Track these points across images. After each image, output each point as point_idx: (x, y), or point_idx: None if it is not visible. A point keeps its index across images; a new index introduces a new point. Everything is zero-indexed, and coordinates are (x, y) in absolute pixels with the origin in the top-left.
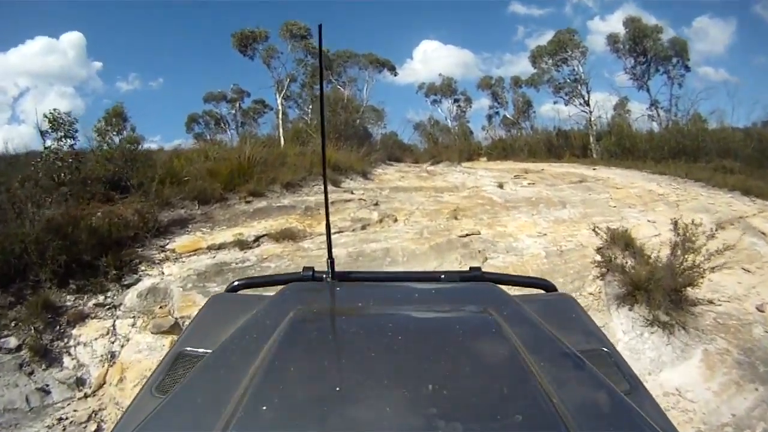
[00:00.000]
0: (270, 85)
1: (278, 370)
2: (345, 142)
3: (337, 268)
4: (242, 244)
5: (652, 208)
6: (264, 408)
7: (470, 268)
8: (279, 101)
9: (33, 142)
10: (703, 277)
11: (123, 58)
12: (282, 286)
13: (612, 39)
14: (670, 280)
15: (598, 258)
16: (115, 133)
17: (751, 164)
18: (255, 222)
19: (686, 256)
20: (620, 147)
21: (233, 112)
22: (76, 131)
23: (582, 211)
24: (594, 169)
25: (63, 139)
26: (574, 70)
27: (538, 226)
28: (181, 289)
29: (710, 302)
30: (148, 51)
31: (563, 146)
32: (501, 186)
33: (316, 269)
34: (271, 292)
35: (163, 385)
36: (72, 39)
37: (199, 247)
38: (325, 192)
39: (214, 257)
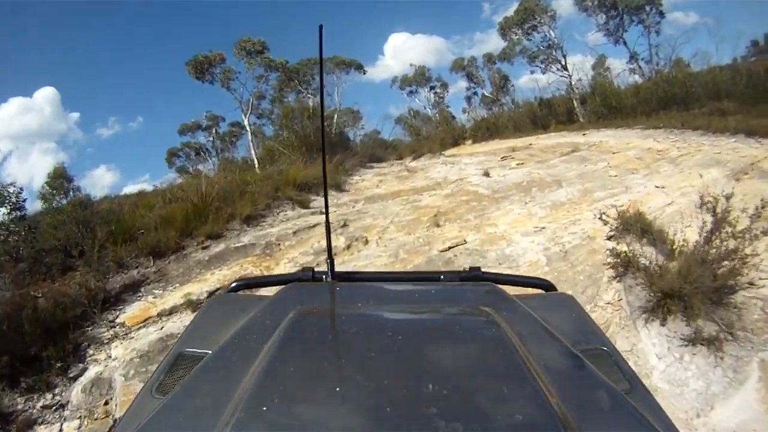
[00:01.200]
0: (235, 107)
1: (278, 370)
2: (317, 153)
3: None
4: (194, 306)
5: (656, 169)
6: (264, 408)
7: (470, 268)
8: (246, 122)
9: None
10: (746, 265)
11: (99, 104)
12: (282, 287)
13: None
14: (709, 277)
15: (612, 257)
16: (61, 195)
17: (746, 102)
18: (209, 273)
19: (725, 243)
20: (606, 107)
21: (211, 139)
22: (24, 200)
23: (580, 187)
24: (584, 134)
25: (12, 212)
26: (545, 36)
27: (533, 217)
28: (123, 378)
29: (751, 284)
30: (123, 92)
31: (548, 115)
32: (487, 174)
33: (316, 269)
34: (271, 292)
35: (163, 385)
36: (46, 94)
37: (149, 315)
38: (325, 193)
39: (162, 328)
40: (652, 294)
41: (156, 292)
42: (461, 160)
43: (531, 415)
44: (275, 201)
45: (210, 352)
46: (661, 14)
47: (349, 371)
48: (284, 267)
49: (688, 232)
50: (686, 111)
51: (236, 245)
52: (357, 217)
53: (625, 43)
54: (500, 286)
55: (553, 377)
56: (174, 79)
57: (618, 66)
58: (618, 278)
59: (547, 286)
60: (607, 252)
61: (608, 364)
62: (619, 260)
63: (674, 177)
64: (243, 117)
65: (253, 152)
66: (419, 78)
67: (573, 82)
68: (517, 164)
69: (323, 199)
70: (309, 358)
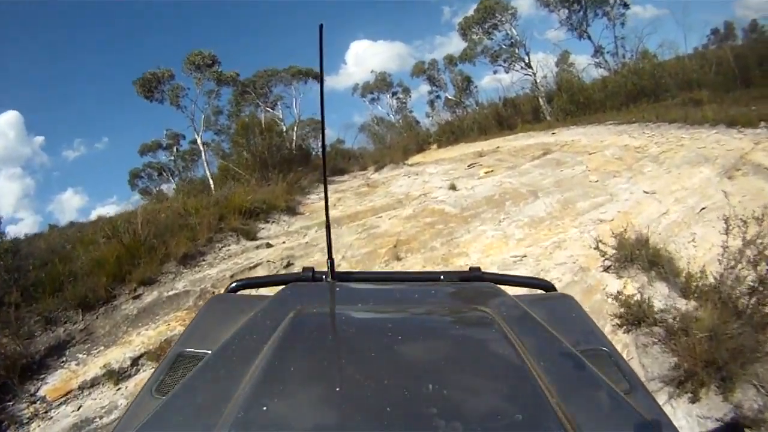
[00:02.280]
0: (188, 126)
1: (278, 370)
2: (271, 171)
3: None
4: (116, 377)
5: (640, 170)
6: (264, 408)
7: (470, 268)
8: (200, 141)
9: None
10: None
11: (63, 126)
12: (282, 287)
13: None
14: (751, 337)
15: (618, 303)
16: None
17: (718, 90)
18: (135, 333)
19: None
20: (574, 103)
21: (172, 158)
22: None
23: (560, 197)
24: (553, 133)
25: None
26: (507, 34)
27: (509, 240)
28: None
29: None
30: (86, 113)
31: (513, 115)
32: (453, 187)
33: (315, 269)
34: (271, 292)
35: (163, 385)
36: (9, 119)
37: (69, 388)
38: (325, 193)
39: (80, 408)
40: (676, 359)
41: (80, 356)
42: (425, 170)
43: (531, 415)
44: (218, 233)
45: (210, 351)
46: (626, 5)
47: (349, 371)
48: None
49: (698, 254)
50: (658, 102)
51: (169, 293)
52: (304, 252)
53: (589, 37)
54: (500, 286)
55: (553, 377)
56: (136, 98)
57: (582, 61)
58: (625, 329)
59: (547, 287)
60: (608, 294)
61: (608, 364)
62: (629, 310)
63: (662, 179)
64: (196, 135)
65: (207, 173)
66: (381, 84)
67: (538, 80)
68: (486, 172)
69: (272, 226)
70: (309, 358)
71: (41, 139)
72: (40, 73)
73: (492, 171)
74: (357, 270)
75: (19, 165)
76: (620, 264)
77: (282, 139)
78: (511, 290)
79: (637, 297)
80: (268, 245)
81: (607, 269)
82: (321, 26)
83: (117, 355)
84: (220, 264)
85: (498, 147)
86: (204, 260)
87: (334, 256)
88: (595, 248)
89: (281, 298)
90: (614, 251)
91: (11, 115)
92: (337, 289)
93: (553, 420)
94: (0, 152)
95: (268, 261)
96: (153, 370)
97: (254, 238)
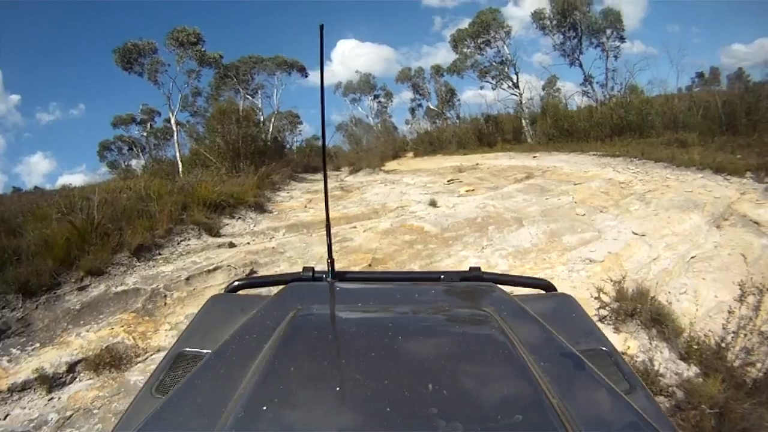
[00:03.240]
0: (163, 103)
1: (278, 370)
2: (243, 162)
3: None
4: (50, 384)
5: (627, 208)
6: (264, 408)
7: (470, 268)
8: (173, 120)
9: None
10: None
11: (41, 87)
12: (282, 286)
13: (537, 15)
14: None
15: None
16: None
17: (703, 133)
18: (75, 333)
19: None
20: (558, 129)
21: (144, 134)
22: None
23: (546, 228)
24: (535, 157)
25: None
26: (499, 51)
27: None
28: None
29: None
30: (66, 77)
31: (494, 133)
32: (434, 203)
33: (316, 269)
34: (271, 292)
35: (163, 385)
36: None
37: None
38: (326, 192)
39: (6, 416)
40: None
41: (13, 351)
42: (402, 179)
43: (531, 415)
44: (179, 225)
45: (210, 351)
46: (622, 39)
47: (349, 371)
48: (164, 337)
49: (691, 308)
50: (643, 139)
51: (117, 289)
52: (270, 258)
53: (581, 65)
54: (500, 286)
55: (553, 377)
56: (116, 67)
57: (570, 87)
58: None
59: (547, 287)
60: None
61: (608, 364)
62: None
63: (651, 220)
64: (170, 114)
65: (178, 155)
66: (363, 86)
67: (523, 101)
68: (467, 191)
69: (237, 223)
70: (309, 358)
71: (17, 98)
72: (24, 30)
73: (473, 190)
74: (357, 270)
75: None
76: (618, 317)
77: (258, 129)
78: (511, 290)
79: (641, 359)
80: (231, 245)
81: (602, 319)
82: (321, 27)
83: (53, 357)
84: (177, 261)
85: (477, 164)
86: (160, 254)
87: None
88: (595, 297)
89: (281, 297)
90: (614, 302)
91: None
92: (337, 288)
93: (553, 420)
94: None
95: (229, 265)
96: (152, 370)
97: (217, 235)
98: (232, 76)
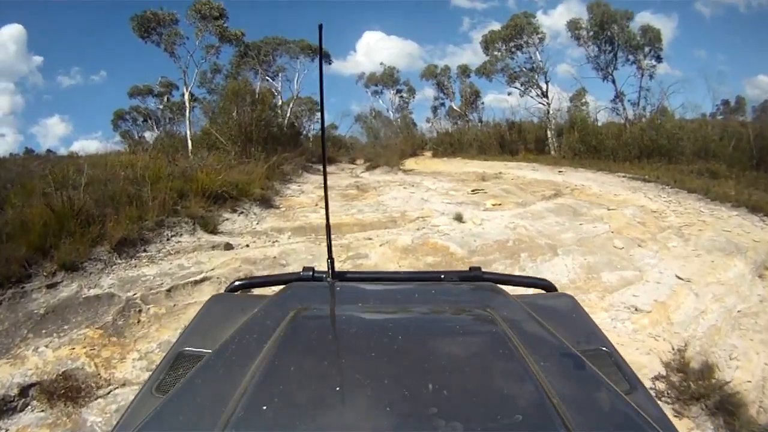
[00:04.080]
0: (178, 77)
1: (278, 370)
2: (255, 147)
3: None
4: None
5: (665, 243)
6: (264, 408)
7: (470, 268)
8: (187, 96)
9: None
10: None
11: (65, 51)
12: (282, 286)
13: (573, 25)
14: None
15: None
16: None
17: (732, 165)
18: (34, 346)
19: None
20: (585, 144)
21: (161, 107)
22: None
23: (582, 261)
24: (560, 171)
25: None
26: (530, 57)
27: None
28: None
29: None
30: (90, 42)
31: (517, 141)
32: (460, 218)
33: (316, 269)
34: (271, 292)
35: (163, 385)
36: (12, 32)
37: None
38: (325, 190)
39: None
40: None
41: None
42: (423, 182)
43: (531, 415)
44: (173, 216)
45: (210, 351)
46: (659, 59)
47: (349, 371)
48: (131, 369)
49: (742, 376)
50: (671, 164)
51: (90, 292)
52: (269, 269)
53: (613, 81)
54: (500, 286)
55: (553, 377)
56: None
57: (596, 103)
58: None
59: (548, 287)
60: None
61: (608, 365)
62: None
63: (692, 262)
64: (184, 89)
65: (188, 133)
66: (387, 78)
67: (550, 111)
68: (494, 204)
69: (239, 218)
70: (309, 358)
71: (40, 60)
72: None
73: (500, 204)
74: (357, 270)
75: (13, 81)
76: (681, 396)
77: (274, 113)
78: (512, 290)
79: None
80: (227, 246)
81: (659, 395)
82: (320, 26)
83: (5, 375)
84: (162, 261)
85: (501, 173)
86: (145, 251)
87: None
88: (662, 377)
89: (281, 297)
90: (674, 373)
91: (15, 29)
92: (338, 288)
93: (553, 420)
94: None
95: (219, 277)
96: (152, 370)
97: (214, 231)
98: (253, 56)
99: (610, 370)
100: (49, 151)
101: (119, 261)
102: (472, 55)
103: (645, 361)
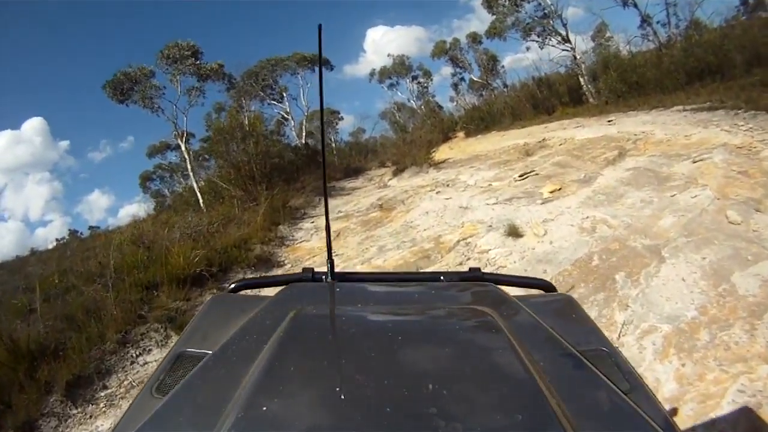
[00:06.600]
0: (171, 132)
1: (278, 370)
2: (261, 184)
3: None
4: None
5: None
6: (264, 408)
7: (470, 268)
8: (184, 148)
9: (23, 237)
10: None
11: (87, 129)
12: (282, 287)
13: None
14: None
15: None
16: None
17: None
18: None
19: None
20: (625, 83)
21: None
22: None
23: (701, 262)
24: (609, 121)
25: None
26: (539, 4)
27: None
28: None
29: None
30: (110, 115)
31: (549, 97)
32: (514, 231)
33: (315, 270)
34: (271, 292)
35: (163, 385)
36: (35, 125)
37: None
38: (325, 192)
39: None
40: None
41: None
42: (459, 178)
43: (531, 415)
44: (139, 325)
45: (210, 352)
46: None
47: (349, 371)
48: None
49: None
50: (726, 82)
51: None
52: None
53: (635, 5)
54: (500, 286)
55: (553, 377)
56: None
57: (621, 36)
58: None
59: (548, 287)
60: None
61: (608, 365)
62: None
63: None
64: (179, 142)
65: (195, 186)
66: (399, 68)
67: (577, 56)
68: (552, 191)
69: None
70: (309, 358)
71: (66, 144)
72: (59, 78)
73: (560, 189)
74: (357, 270)
75: (47, 169)
76: None
77: (271, 142)
78: (512, 290)
79: None
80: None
81: None
82: (320, 26)
83: None
84: (123, 401)
85: (544, 139)
86: (105, 387)
87: None
88: None
89: (281, 298)
90: None
91: (36, 122)
92: (337, 289)
93: (553, 420)
94: (28, 158)
95: None
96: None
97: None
98: (252, 83)
99: (610, 370)
100: (91, 227)
101: (74, 411)
102: (480, 24)
103: None
